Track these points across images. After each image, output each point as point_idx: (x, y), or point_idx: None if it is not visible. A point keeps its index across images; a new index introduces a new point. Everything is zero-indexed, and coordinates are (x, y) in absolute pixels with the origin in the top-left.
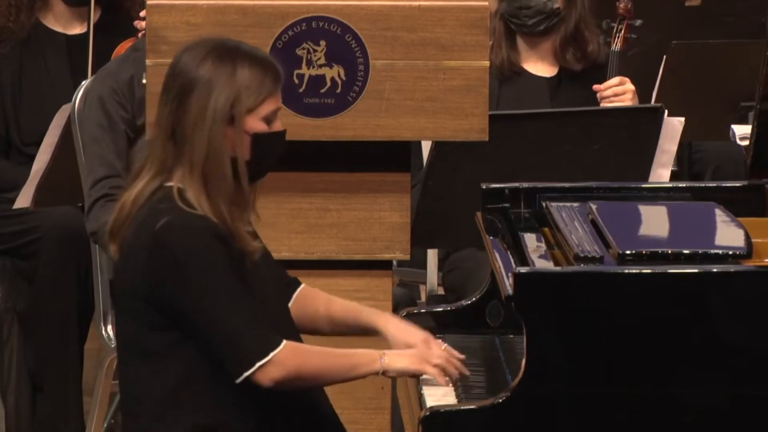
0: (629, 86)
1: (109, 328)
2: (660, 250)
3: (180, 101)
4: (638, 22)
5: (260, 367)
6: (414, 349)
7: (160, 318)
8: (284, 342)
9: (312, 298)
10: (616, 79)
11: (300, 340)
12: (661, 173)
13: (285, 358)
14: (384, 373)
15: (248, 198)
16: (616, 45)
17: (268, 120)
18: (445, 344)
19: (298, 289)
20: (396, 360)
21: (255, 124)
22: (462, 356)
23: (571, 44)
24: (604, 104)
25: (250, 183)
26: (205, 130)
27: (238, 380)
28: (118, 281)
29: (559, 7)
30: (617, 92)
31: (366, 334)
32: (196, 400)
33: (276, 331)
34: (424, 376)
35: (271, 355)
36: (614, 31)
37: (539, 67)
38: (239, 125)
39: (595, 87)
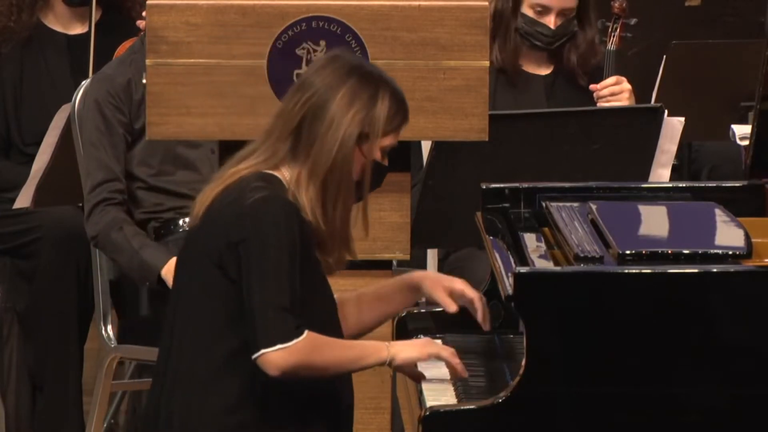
0: (626, 85)
1: (109, 328)
2: (660, 250)
3: (318, 100)
4: (633, 21)
5: (279, 350)
6: (419, 340)
7: (224, 286)
8: (306, 332)
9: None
10: (612, 79)
11: None
12: (661, 173)
13: (300, 348)
14: (391, 362)
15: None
16: (612, 44)
17: (384, 152)
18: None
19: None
20: (402, 349)
21: (377, 150)
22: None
23: (583, 60)
24: (601, 104)
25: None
26: (337, 138)
27: (255, 355)
28: (190, 246)
29: (577, 30)
30: (614, 91)
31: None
32: (242, 381)
33: (316, 324)
34: (427, 374)
35: (293, 342)
36: (609, 30)
37: (535, 66)
38: (366, 147)
39: (592, 86)
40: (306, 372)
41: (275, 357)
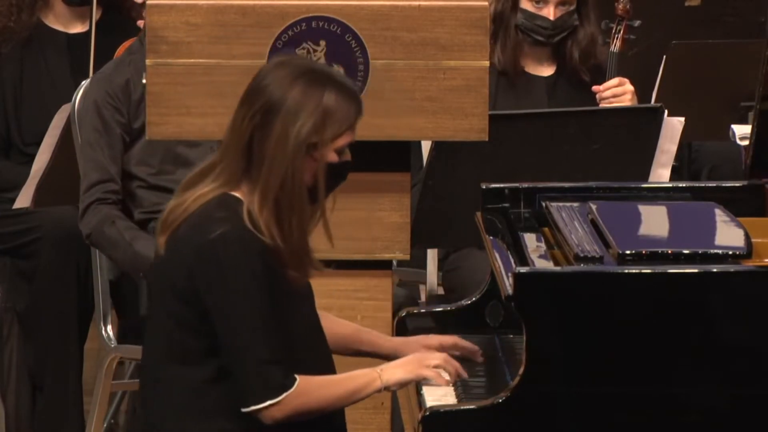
0: (628, 87)
1: (109, 328)
2: (660, 250)
3: (263, 118)
4: (637, 23)
5: (270, 405)
6: (408, 357)
7: (192, 319)
8: (296, 381)
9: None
10: (615, 80)
11: (332, 364)
12: (661, 173)
13: (293, 399)
14: (386, 388)
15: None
16: (615, 46)
17: (340, 151)
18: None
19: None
20: (393, 373)
21: (330, 153)
22: (473, 347)
23: (585, 56)
24: (603, 105)
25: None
26: (286, 155)
27: (246, 410)
28: (158, 275)
29: (577, 25)
30: (616, 93)
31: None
32: (220, 405)
33: (302, 361)
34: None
35: (283, 396)
36: (613, 31)
37: (537, 67)
38: (317, 154)
39: (595, 88)
40: (301, 417)
41: (268, 413)
